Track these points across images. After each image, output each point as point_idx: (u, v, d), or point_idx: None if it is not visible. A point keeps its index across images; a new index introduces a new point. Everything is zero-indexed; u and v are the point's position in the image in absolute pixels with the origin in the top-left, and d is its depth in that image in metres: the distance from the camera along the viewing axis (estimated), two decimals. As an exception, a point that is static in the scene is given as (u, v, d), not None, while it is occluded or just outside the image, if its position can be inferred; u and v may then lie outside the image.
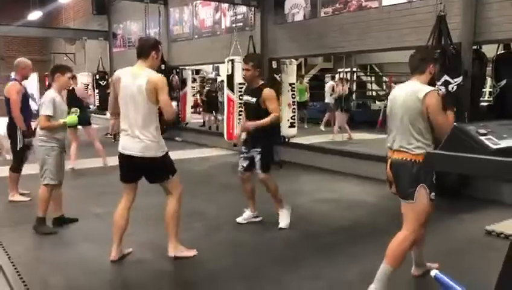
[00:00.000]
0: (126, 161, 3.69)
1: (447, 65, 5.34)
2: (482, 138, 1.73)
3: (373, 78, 18.49)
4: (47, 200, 4.52)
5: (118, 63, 15.25)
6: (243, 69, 4.68)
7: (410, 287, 3.51)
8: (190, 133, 12.16)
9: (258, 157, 4.61)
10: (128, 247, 3.94)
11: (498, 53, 6.37)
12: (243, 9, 9.72)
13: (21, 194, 5.78)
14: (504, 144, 1.73)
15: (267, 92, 4.51)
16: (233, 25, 9.66)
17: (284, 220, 4.72)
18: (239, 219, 4.88)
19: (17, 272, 3.54)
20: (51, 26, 19.19)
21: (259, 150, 4.60)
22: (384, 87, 16.88)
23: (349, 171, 7.27)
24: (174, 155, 9.45)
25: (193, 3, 11.44)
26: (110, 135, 11.76)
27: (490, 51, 6.48)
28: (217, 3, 10.44)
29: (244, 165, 4.73)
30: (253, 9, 9.37)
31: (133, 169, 3.72)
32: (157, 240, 4.31)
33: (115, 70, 14.00)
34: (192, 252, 3.89)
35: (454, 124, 1.75)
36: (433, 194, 3.03)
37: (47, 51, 21.28)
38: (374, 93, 17.90)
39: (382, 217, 5.18)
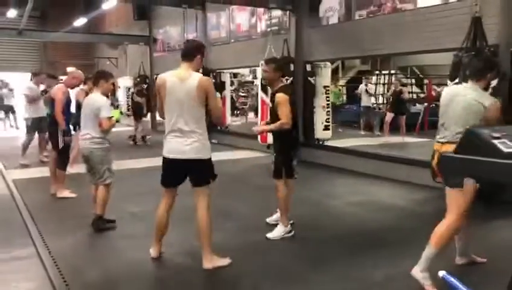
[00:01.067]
0: (172, 164, 3.69)
1: (482, 67, 5.22)
2: (495, 141, 1.74)
3: (413, 81, 18.12)
4: (107, 199, 4.75)
5: (158, 67, 15.67)
6: (263, 71, 4.75)
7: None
8: (226, 136, 12.34)
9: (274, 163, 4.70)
10: (167, 243, 4.07)
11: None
12: (278, 13, 9.81)
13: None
14: (518, 147, 1.73)
15: (279, 96, 4.39)
16: (268, 29, 9.76)
17: (275, 232, 4.57)
18: (268, 219, 4.96)
19: (56, 265, 3.76)
20: (94, 32, 19.93)
21: (275, 155, 4.71)
22: (425, 89, 16.52)
23: (382, 175, 7.21)
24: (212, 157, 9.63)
25: (229, 8, 11.63)
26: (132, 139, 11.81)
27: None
28: (253, 7, 10.58)
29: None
30: (288, 13, 9.45)
31: (178, 172, 3.74)
32: (190, 238, 4.46)
33: (156, 74, 14.34)
34: (226, 261, 3.81)
35: (467, 127, 1.77)
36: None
37: (91, 56, 22.09)
38: (415, 96, 17.53)
39: (411, 221, 5.15)
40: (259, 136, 9.18)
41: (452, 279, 1.62)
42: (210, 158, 3.75)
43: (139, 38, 16.19)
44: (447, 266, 3.31)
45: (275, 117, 4.46)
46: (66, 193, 6.04)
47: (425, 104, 13.27)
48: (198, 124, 3.61)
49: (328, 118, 9.07)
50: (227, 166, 8.64)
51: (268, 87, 5.07)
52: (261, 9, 10.36)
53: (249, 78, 19.18)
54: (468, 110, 3.23)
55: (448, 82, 5.78)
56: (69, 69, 6.32)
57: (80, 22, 17.17)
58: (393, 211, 5.59)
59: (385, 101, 14.29)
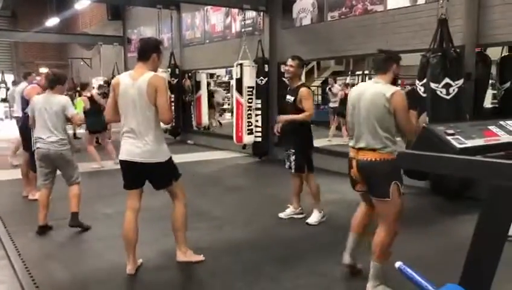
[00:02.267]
0: (129, 167, 3.54)
1: (448, 68, 5.40)
2: (449, 137, 1.82)
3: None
4: (80, 196, 4.78)
5: (133, 67, 15.50)
6: (287, 65, 4.95)
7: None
8: (202, 136, 12.33)
9: (292, 158, 4.92)
10: (140, 243, 4.08)
11: (502, 55, 6.38)
12: (252, 14, 9.87)
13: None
14: (470, 143, 1.82)
15: (304, 90, 4.79)
16: (243, 30, 9.81)
17: (313, 218, 4.97)
18: (281, 214, 5.11)
19: (26, 267, 3.73)
20: (68, 32, 19.64)
21: (293, 150, 4.91)
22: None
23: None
24: (186, 158, 9.73)
25: (204, 9, 11.63)
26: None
27: (496, 53, 6.51)
28: (227, 8, 10.61)
29: (287, 164, 5.04)
30: (261, 14, 9.51)
31: (136, 175, 3.57)
32: (160, 238, 4.49)
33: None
34: (199, 258, 3.85)
35: (424, 124, 1.84)
36: (402, 187, 3.15)
37: (64, 56, 21.77)
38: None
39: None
40: (234, 137, 9.23)
41: (409, 270, 1.68)
42: (168, 160, 3.59)
43: (113, 39, 16.04)
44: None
45: (295, 112, 4.80)
46: (38, 195, 5.94)
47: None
48: (151, 124, 3.46)
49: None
50: (202, 166, 8.66)
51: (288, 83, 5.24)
52: (235, 10, 10.40)
53: (225, 79, 19.19)
54: (374, 105, 3.09)
55: (417, 82, 5.93)
56: (43, 70, 6.22)
57: (53, 21, 16.92)
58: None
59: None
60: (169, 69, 11.82)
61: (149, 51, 3.56)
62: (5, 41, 20.41)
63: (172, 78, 11.80)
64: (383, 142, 3.07)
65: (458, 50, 5.66)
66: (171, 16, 12.35)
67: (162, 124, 3.58)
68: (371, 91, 3.15)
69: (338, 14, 7.87)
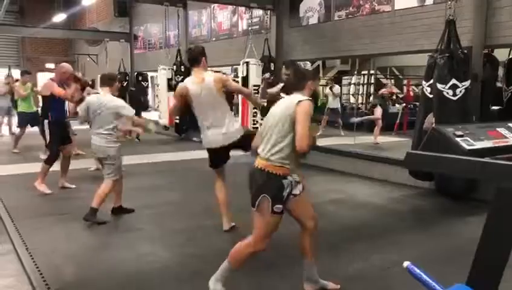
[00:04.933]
0: (215, 151, 4.42)
1: (455, 69, 5.39)
2: (458, 139, 1.83)
3: (392, 81, 18.37)
4: (109, 193, 4.86)
5: (139, 64, 15.60)
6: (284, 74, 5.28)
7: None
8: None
9: None
10: (144, 240, 4.12)
11: (510, 57, 6.37)
12: (259, 12, 9.88)
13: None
14: (479, 145, 1.83)
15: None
16: (249, 28, 9.82)
17: None
18: None
19: (34, 261, 3.76)
20: (74, 28, 19.70)
21: None
22: (404, 90, 16.79)
23: (360, 173, 7.34)
24: (192, 155, 9.73)
25: (211, 6, 11.65)
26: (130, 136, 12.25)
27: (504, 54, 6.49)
28: (234, 6, 10.63)
29: None
30: (268, 12, 9.52)
31: (219, 156, 4.47)
32: (166, 235, 4.53)
33: (136, 72, 14.38)
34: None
35: (433, 125, 1.85)
36: (277, 206, 2.88)
37: (71, 52, 21.84)
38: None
39: (389, 218, 5.27)
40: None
41: (416, 269, 1.69)
42: (243, 134, 4.40)
43: (120, 35, 16.08)
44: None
45: None
46: (44, 188, 6.00)
47: (404, 104, 13.49)
48: (227, 112, 4.36)
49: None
50: (205, 164, 8.66)
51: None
52: (242, 8, 10.42)
53: (231, 77, 19.20)
54: (278, 116, 2.92)
55: (423, 82, 5.93)
56: (49, 66, 6.27)
57: (60, 17, 16.98)
58: (372, 208, 5.69)
59: (365, 101, 14.48)
60: (170, 67, 11.82)
61: (199, 56, 4.34)
62: (13, 36, 20.49)
63: (177, 76, 11.85)
64: (272, 152, 2.90)
65: (466, 51, 5.65)
66: (177, 13, 12.37)
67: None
68: (284, 103, 3.00)
69: (345, 14, 7.88)
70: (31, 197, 5.89)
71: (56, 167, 6.19)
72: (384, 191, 6.46)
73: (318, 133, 10.20)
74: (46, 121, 6.01)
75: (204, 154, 9.97)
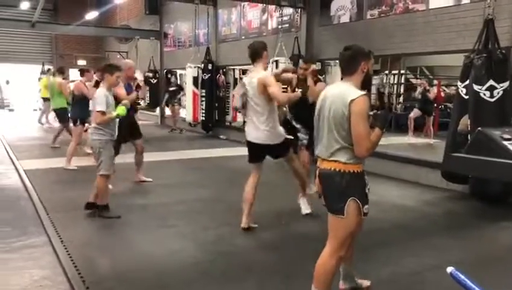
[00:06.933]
0: (253, 146, 4.52)
1: (493, 70, 5.23)
2: (506, 142, 1.77)
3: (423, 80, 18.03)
4: (105, 188, 4.88)
5: (168, 62, 15.75)
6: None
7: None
8: (233, 131, 12.38)
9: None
10: (176, 237, 4.15)
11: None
12: (289, 10, 9.84)
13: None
14: (528, 149, 1.76)
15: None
16: (279, 26, 9.79)
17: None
18: (306, 211, 5.08)
19: (68, 253, 3.84)
20: (106, 26, 20.03)
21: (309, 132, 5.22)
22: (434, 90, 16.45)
23: (390, 175, 7.23)
24: (218, 152, 9.78)
25: (241, 5, 11.66)
26: (175, 130, 13.20)
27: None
28: (264, 5, 10.61)
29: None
30: (299, 10, 9.47)
31: (258, 152, 4.53)
32: (197, 231, 4.55)
33: (165, 69, 14.59)
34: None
35: (479, 128, 1.79)
36: (366, 207, 2.71)
37: (102, 50, 22.22)
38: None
39: (421, 221, 5.17)
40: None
41: (461, 276, 1.65)
42: (284, 138, 4.56)
43: (150, 33, 16.25)
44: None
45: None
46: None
47: (434, 105, 13.21)
48: (269, 114, 4.37)
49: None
50: (234, 161, 8.69)
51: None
52: (272, 7, 10.39)
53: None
54: (330, 112, 2.69)
55: (459, 83, 5.79)
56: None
57: (92, 15, 17.30)
58: (402, 210, 5.60)
59: (395, 101, 14.28)
60: (196, 66, 11.91)
61: (261, 50, 4.43)
62: (46, 33, 20.99)
63: (204, 74, 11.96)
64: (344, 152, 2.68)
65: (504, 51, 5.48)
66: (207, 11, 12.43)
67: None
68: (333, 94, 2.76)
69: (378, 13, 7.76)
70: (64, 191, 6.03)
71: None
72: (415, 193, 6.34)
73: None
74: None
75: (231, 152, 10.07)
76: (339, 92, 2.70)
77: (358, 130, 2.58)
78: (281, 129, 4.58)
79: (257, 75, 4.39)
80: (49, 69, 9.94)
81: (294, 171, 4.87)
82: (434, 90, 11.70)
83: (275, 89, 4.31)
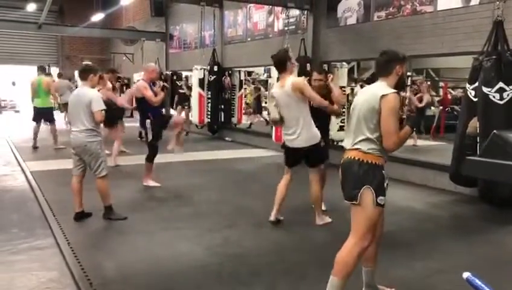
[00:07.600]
0: (291, 151, 4.70)
1: (503, 72, 5.20)
2: (523, 146, 1.73)
3: (429, 83, 17.96)
4: (107, 189, 4.86)
5: (174, 63, 15.76)
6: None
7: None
8: (239, 134, 12.37)
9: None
10: (183, 239, 4.13)
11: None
12: (295, 12, 9.81)
13: None
14: (545, 152, 1.73)
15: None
16: (285, 28, 9.77)
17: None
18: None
19: (75, 255, 3.83)
20: (112, 27, 20.09)
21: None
22: (440, 92, 16.40)
23: (397, 177, 7.17)
24: (224, 155, 9.79)
25: (247, 7, 11.65)
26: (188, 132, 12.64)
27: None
28: (270, 6, 10.59)
29: None
30: (305, 12, 9.44)
31: (294, 157, 4.72)
32: (204, 234, 4.53)
33: (170, 71, 14.60)
34: (329, 219, 4.86)
35: (494, 131, 1.76)
36: (380, 198, 2.79)
37: (107, 51, 22.28)
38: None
39: (428, 224, 5.14)
40: (273, 136, 9.23)
41: (477, 281, 1.62)
42: (319, 142, 4.65)
43: (156, 35, 16.28)
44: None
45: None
46: (151, 183, 6.39)
47: (441, 107, 13.17)
48: (303, 118, 4.52)
49: (344, 119, 9.03)
50: (241, 164, 8.69)
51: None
52: (278, 9, 10.37)
53: (263, 77, 19.15)
54: (363, 106, 2.84)
55: (467, 85, 5.75)
56: (144, 66, 6.58)
57: (98, 17, 17.34)
58: (410, 213, 5.56)
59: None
60: (203, 67, 11.90)
61: (285, 61, 4.54)
62: (52, 35, 21.07)
63: (210, 76, 11.95)
64: (367, 142, 2.82)
65: (513, 53, 5.44)
66: (213, 13, 12.43)
67: None
68: (368, 92, 2.94)
69: (385, 14, 7.72)
70: (68, 194, 6.01)
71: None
72: (422, 196, 6.30)
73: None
74: (148, 121, 6.18)
75: (237, 154, 10.05)
76: (372, 89, 2.91)
77: (388, 125, 2.73)
78: (316, 131, 4.64)
79: (289, 81, 4.47)
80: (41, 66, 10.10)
81: (311, 190, 4.81)
82: (427, 95, 11.49)
83: (313, 93, 4.52)
